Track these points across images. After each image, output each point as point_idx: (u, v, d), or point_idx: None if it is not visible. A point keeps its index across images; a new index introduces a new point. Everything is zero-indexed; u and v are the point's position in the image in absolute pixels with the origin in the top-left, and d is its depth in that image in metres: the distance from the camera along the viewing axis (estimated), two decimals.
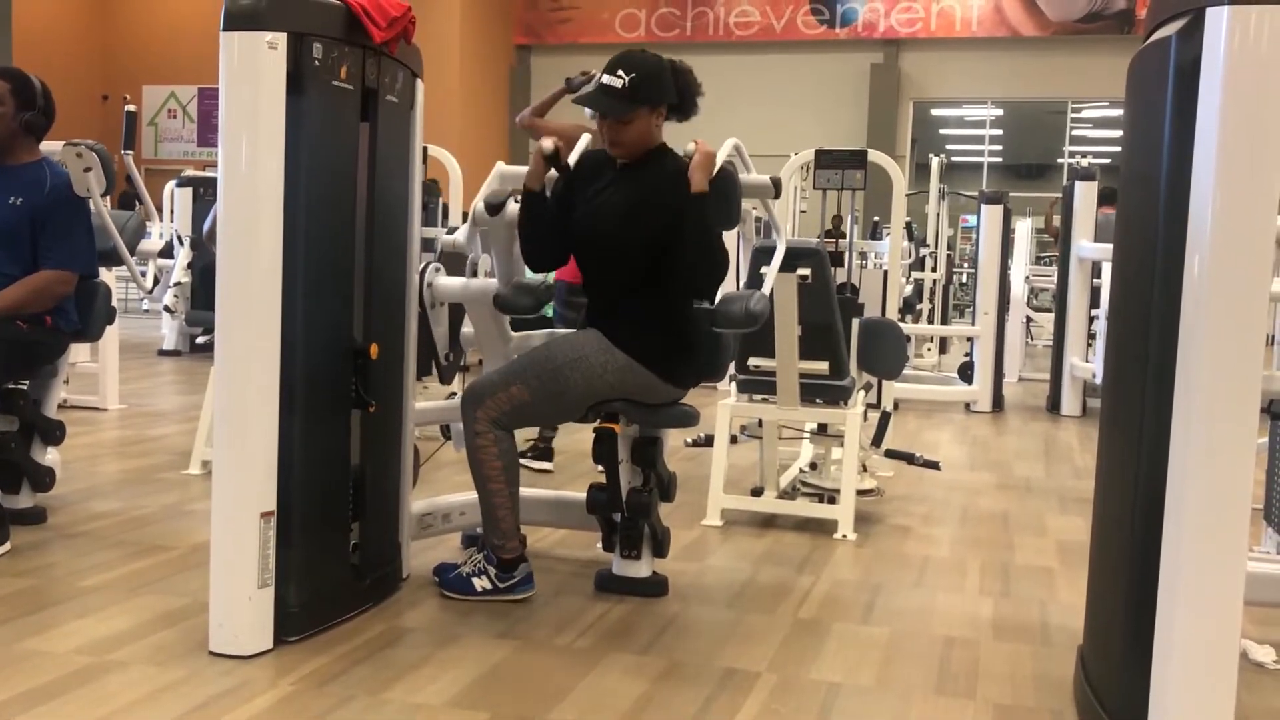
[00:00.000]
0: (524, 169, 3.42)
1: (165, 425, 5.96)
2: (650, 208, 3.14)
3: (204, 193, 9.33)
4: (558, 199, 3.31)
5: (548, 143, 3.22)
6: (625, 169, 3.23)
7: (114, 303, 4.19)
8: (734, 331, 3.38)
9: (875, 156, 5.41)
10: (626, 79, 3.10)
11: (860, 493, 4.51)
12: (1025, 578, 3.75)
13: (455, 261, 3.71)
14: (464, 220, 3.66)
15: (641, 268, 3.17)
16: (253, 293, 2.70)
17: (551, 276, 3.56)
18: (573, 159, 3.36)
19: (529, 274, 3.59)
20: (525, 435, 4.42)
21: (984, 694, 2.72)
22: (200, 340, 9.11)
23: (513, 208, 3.35)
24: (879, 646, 3.02)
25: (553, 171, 3.28)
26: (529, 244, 3.33)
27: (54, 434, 3.96)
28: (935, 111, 19.45)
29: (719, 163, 3.22)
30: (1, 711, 2.38)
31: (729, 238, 7.76)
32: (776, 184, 3.49)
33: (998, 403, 7.91)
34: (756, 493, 4.51)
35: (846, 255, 5.64)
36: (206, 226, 6.07)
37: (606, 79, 3.13)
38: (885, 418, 4.92)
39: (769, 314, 3.37)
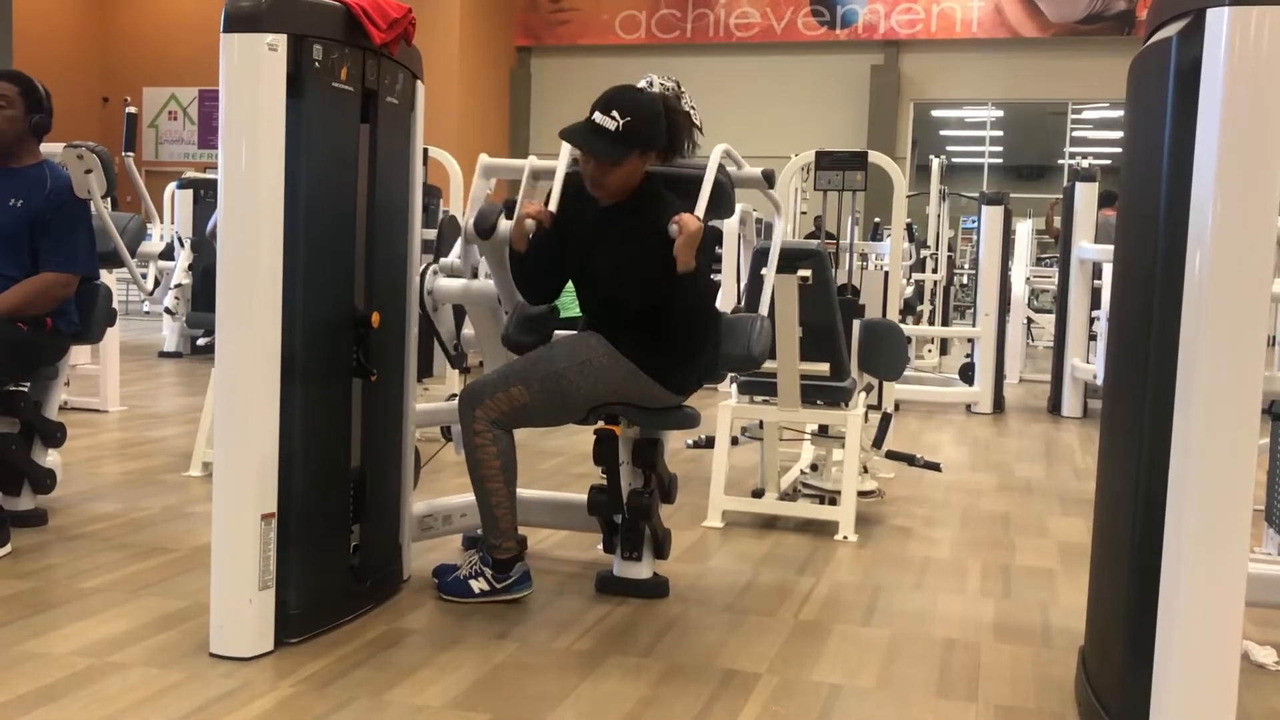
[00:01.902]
0: (507, 162, 3.38)
1: (166, 427, 5.96)
2: (644, 260, 3.06)
3: (205, 194, 9.34)
4: (546, 234, 3.21)
5: (530, 222, 3.13)
6: (612, 207, 3.16)
7: (114, 305, 4.19)
8: (728, 316, 3.36)
9: (876, 158, 5.41)
10: (621, 122, 3.00)
11: (861, 494, 4.51)
12: (1026, 579, 3.75)
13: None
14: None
15: (639, 302, 3.15)
16: (253, 294, 2.70)
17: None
18: (555, 190, 3.27)
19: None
20: None
21: (985, 696, 2.72)
22: (201, 342, 9.12)
23: (504, 225, 3.29)
24: (880, 648, 3.02)
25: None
26: (523, 288, 3.29)
27: (55, 436, 3.96)
28: (935, 113, 19.45)
29: (710, 177, 3.19)
30: (2, 713, 2.38)
31: (729, 237, 7.76)
32: (768, 175, 3.48)
33: (998, 404, 7.91)
34: (757, 494, 4.51)
35: (847, 256, 5.64)
36: (210, 226, 6.07)
37: (599, 118, 3.02)
38: (886, 419, 4.92)
39: (770, 311, 3.36)
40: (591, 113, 3.06)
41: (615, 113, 3.01)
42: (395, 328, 3.21)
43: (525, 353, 3.25)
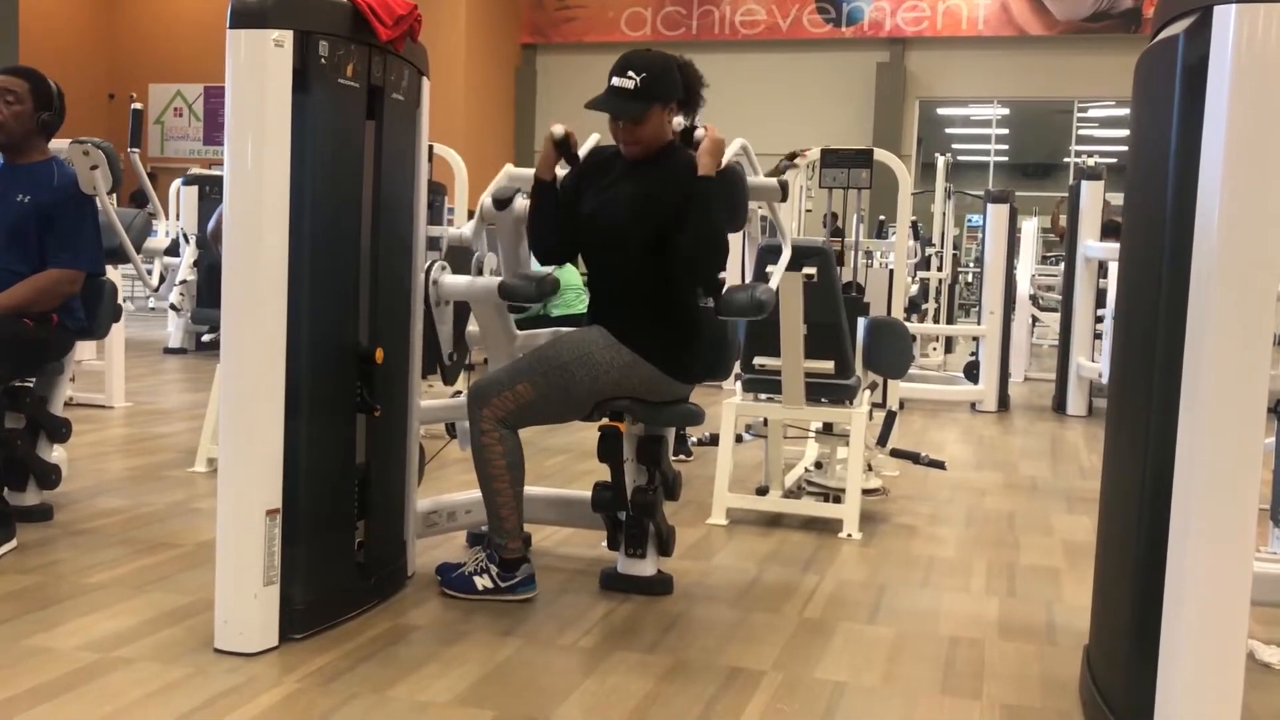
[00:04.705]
0: (532, 172, 3.42)
1: (171, 423, 5.97)
2: (657, 200, 3.14)
3: (210, 191, 9.34)
4: (566, 193, 3.32)
5: (559, 128, 3.24)
6: (634, 165, 3.23)
7: (120, 301, 4.20)
8: (739, 319, 3.38)
9: (881, 155, 5.41)
10: (638, 79, 3.11)
11: (866, 492, 4.50)
12: (1031, 578, 3.74)
13: (461, 259, 3.71)
14: (469, 218, 3.66)
15: (644, 259, 3.17)
16: (258, 290, 2.70)
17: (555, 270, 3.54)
18: (583, 153, 3.37)
19: (536, 269, 3.58)
20: None
21: (990, 694, 2.72)
22: (206, 338, 9.12)
23: (520, 203, 3.35)
24: (884, 646, 3.02)
25: (563, 163, 3.29)
26: (538, 235, 3.33)
27: (60, 431, 3.97)
28: (941, 110, 19.43)
29: (726, 161, 3.22)
30: (7, 708, 2.39)
31: (734, 237, 7.74)
32: (784, 186, 3.48)
33: (1003, 402, 7.90)
34: (762, 492, 4.51)
35: (852, 254, 5.63)
36: (210, 226, 6.07)
37: (617, 81, 3.13)
38: (891, 417, 4.91)
39: (774, 306, 3.36)
40: (610, 79, 3.15)
41: (631, 72, 3.12)
42: (400, 325, 3.22)
43: (522, 301, 3.32)
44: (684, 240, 3.11)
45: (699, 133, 3.17)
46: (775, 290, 3.38)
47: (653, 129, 3.17)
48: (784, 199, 3.52)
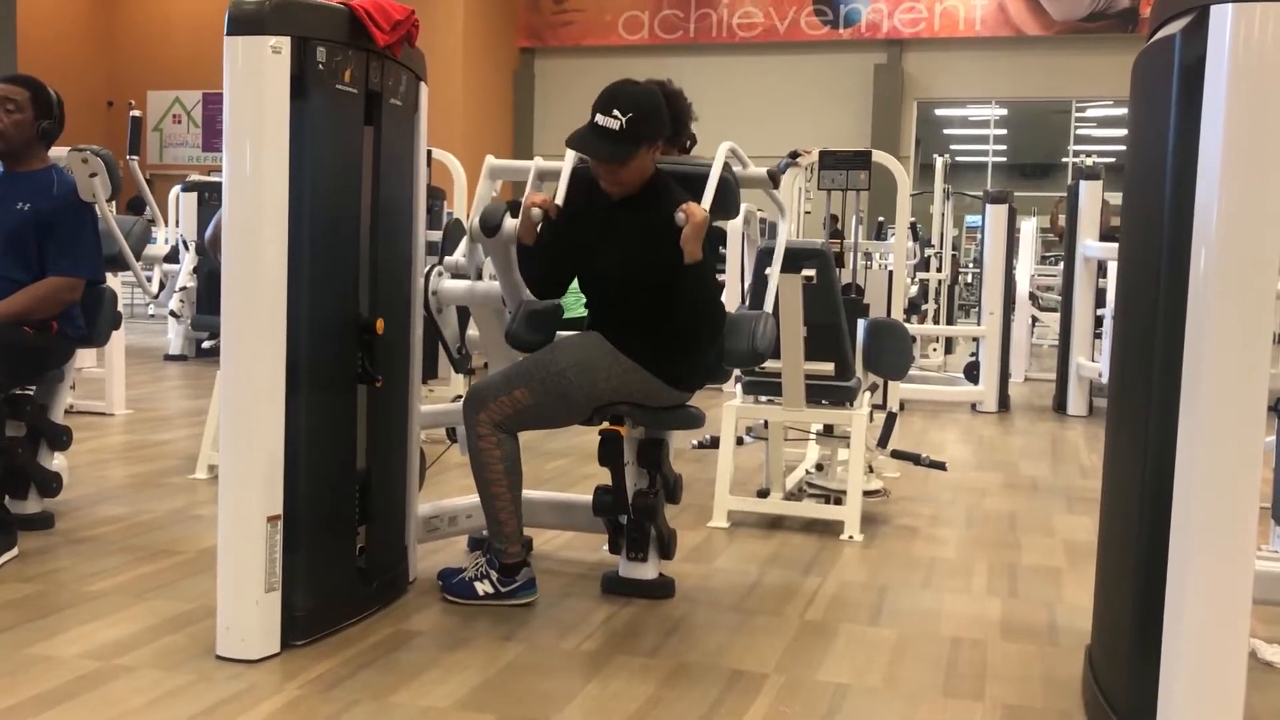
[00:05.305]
0: (513, 163, 3.38)
1: (171, 430, 5.97)
2: (652, 252, 3.08)
3: (209, 197, 9.34)
4: (553, 227, 3.21)
5: (536, 211, 3.12)
6: (622, 201, 3.17)
7: (120, 308, 4.20)
8: (738, 368, 3.37)
9: (880, 157, 5.41)
10: (623, 119, 3.00)
11: (867, 494, 4.50)
12: (1033, 578, 3.74)
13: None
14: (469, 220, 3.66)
15: (646, 299, 3.16)
16: (258, 297, 2.70)
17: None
18: (561, 185, 3.28)
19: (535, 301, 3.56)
20: None
21: (992, 695, 2.72)
22: (206, 345, 9.11)
23: (510, 224, 3.29)
24: (886, 648, 3.02)
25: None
26: (532, 281, 3.29)
27: (61, 439, 3.97)
28: (939, 111, 19.44)
29: (716, 172, 3.20)
30: (10, 716, 2.39)
31: (733, 236, 7.75)
32: (773, 176, 3.48)
33: (1004, 403, 7.90)
34: (762, 494, 4.50)
35: (852, 256, 5.64)
36: (208, 234, 6.06)
37: (601, 120, 3.02)
38: (891, 418, 4.91)
39: (775, 342, 3.36)
40: (593, 115, 3.06)
41: (616, 111, 3.02)
42: (400, 330, 3.21)
43: (530, 351, 3.26)
44: (680, 314, 3.11)
45: (679, 218, 3.01)
46: (775, 332, 3.36)
47: (636, 170, 3.09)
48: (775, 186, 3.50)
